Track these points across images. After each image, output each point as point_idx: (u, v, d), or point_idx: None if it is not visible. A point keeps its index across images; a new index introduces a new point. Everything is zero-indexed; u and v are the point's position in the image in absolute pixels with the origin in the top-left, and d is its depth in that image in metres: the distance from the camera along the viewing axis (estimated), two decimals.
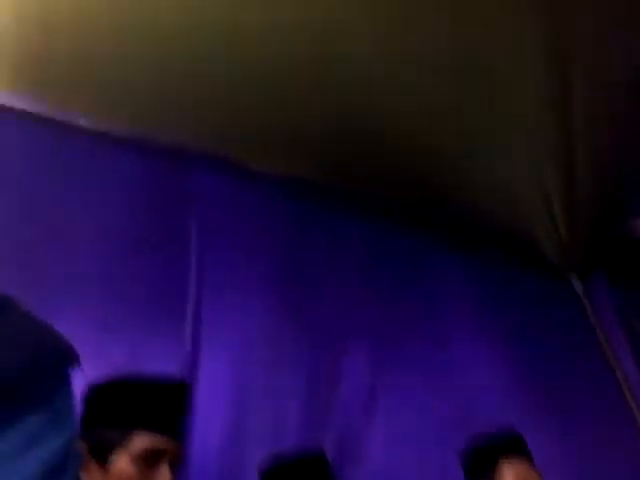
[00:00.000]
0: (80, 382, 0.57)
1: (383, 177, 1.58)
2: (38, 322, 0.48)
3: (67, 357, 0.48)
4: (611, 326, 1.61)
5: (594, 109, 1.36)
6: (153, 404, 0.99)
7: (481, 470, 1.27)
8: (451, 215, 1.66)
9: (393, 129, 1.45)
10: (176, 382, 1.09)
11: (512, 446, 1.28)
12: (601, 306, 1.63)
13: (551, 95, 1.34)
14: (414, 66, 1.30)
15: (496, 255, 1.71)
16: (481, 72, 1.32)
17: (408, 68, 1.30)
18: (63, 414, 0.47)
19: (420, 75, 1.32)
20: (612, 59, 1.28)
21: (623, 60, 1.29)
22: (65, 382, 0.48)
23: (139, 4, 1.28)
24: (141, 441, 0.95)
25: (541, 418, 1.52)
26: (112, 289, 1.39)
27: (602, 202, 1.57)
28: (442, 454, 1.41)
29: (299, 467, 1.21)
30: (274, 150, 1.58)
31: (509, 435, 1.29)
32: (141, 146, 1.54)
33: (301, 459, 1.23)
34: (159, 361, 1.33)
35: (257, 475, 1.22)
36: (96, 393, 1.00)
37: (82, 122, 1.50)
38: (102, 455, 0.94)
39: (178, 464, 0.99)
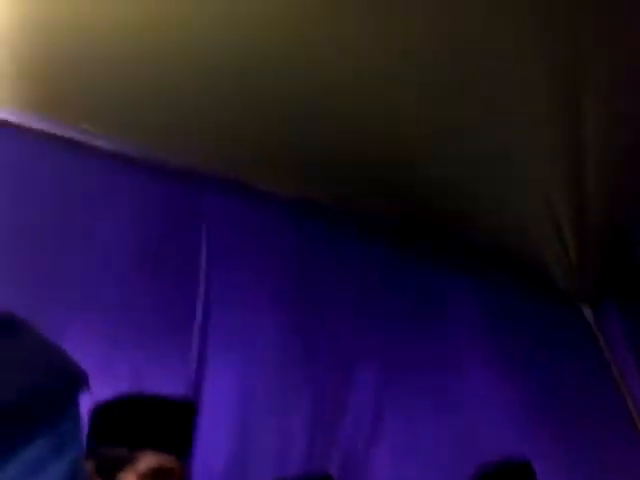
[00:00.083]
0: (87, 401, 0.56)
1: (393, 201, 1.59)
2: (48, 344, 0.48)
3: (76, 381, 0.48)
4: (621, 353, 1.60)
5: (605, 139, 1.37)
6: (160, 423, 0.99)
7: None
8: (461, 239, 1.66)
9: (404, 155, 1.46)
10: (183, 401, 1.08)
11: (521, 474, 1.26)
12: (611, 333, 1.62)
13: (562, 124, 1.34)
14: (423, 92, 1.31)
15: (506, 280, 1.70)
16: (490, 97, 1.33)
17: (417, 94, 1.32)
18: (70, 438, 0.47)
19: (431, 101, 1.33)
20: (626, 90, 1.28)
21: (637, 91, 1.29)
22: (73, 406, 0.47)
23: (148, 28, 1.30)
24: (148, 460, 0.94)
25: (549, 446, 1.51)
26: (119, 307, 1.39)
27: (612, 229, 1.56)
28: (450, 479, 1.40)
29: None
30: (284, 172, 1.59)
31: (518, 463, 1.28)
32: (150, 166, 1.55)
33: None
34: (166, 380, 1.32)
35: None
36: (103, 411, 1.00)
37: (93, 140, 1.52)
38: (109, 474, 0.93)
39: None
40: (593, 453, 1.53)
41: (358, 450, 1.47)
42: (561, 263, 1.59)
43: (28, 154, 1.45)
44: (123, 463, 0.94)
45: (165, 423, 0.99)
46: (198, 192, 1.60)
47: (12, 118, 1.44)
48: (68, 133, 1.50)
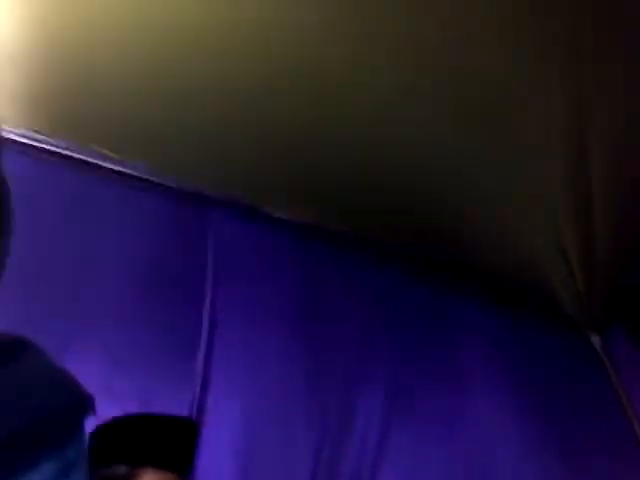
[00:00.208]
0: (91, 422, 0.57)
1: (406, 230, 1.59)
2: (54, 366, 0.49)
3: (82, 404, 0.48)
4: (629, 379, 1.58)
5: (612, 171, 1.37)
6: (162, 442, 0.99)
7: None
8: (470, 267, 1.66)
9: (419, 185, 1.46)
10: (185, 420, 1.08)
11: None
12: (619, 359, 1.61)
13: (569, 156, 1.35)
14: (439, 124, 1.32)
15: (514, 306, 1.70)
16: (498, 126, 1.34)
17: (431, 125, 1.33)
18: (76, 462, 0.47)
19: (447, 133, 1.34)
20: (632, 122, 1.29)
21: None
22: (79, 429, 0.48)
23: (160, 53, 1.32)
24: (148, 478, 0.94)
25: (557, 471, 1.49)
26: (124, 326, 1.40)
27: (619, 255, 1.56)
28: None
29: None
30: (297, 198, 1.59)
31: None
32: (160, 188, 1.56)
33: None
34: (169, 400, 1.32)
35: None
36: (105, 429, 1.00)
37: (102, 162, 1.54)
38: None
39: None
40: (600, 478, 1.51)
41: (363, 471, 1.46)
42: (568, 289, 1.58)
43: (39, 174, 1.47)
44: None
45: (167, 441, 0.99)
46: (206, 214, 1.61)
47: (25, 139, 1.47)
48: (78, 154, 1.53)
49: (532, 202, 1.46)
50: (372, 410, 1.53)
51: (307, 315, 1.58)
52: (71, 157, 1.51)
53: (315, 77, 1.30)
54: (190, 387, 1.42)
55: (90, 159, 1.52)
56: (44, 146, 1.50)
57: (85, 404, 0.48)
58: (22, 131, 1.46)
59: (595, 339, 1.62)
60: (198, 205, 1.60)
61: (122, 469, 0.94)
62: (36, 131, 1.48)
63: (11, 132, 1.42)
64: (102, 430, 0.99)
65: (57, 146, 1.51)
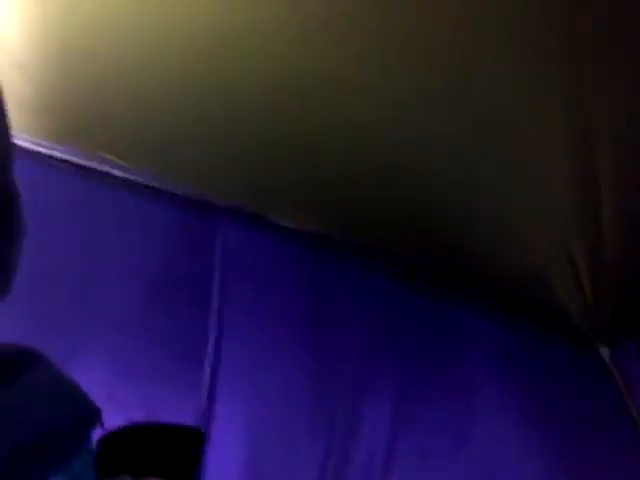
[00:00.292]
0: (97, 432, 0.56)
1: (408, 237, 1.58)
2: (61, 378, 0.48)
3: (89, 417, 0.48)
4: None
5: (620, 177, 1.36)
6: (167, 451, 0.98)
7: None
8: (475, 275, 1.65)
9: (423, 192, 1.46)
10: (191, 430, 1.08)
11: None
12: (630, 372, 1.59)
13: (574, 159, 1.34)
14: (444, 131, 1.32)
15: (521, 317, 1.68)
16: (506, 136, 1.34)
17: (442, 137, 1.32)
18: (83, 474, 0.46)
19: (447, 137, 1.33)
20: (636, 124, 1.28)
21: None
22: (86, 442, 0.47)
23: (169, 61, 1.33)
24: None
25: None
26: (130, 335, 1.39)
27: (629, 265, 1.54)
28: None
29: None
30: (300, 206, 1.59)
31: None
32: (167, 195, 1.57)
33: None
34: (175, 409, 1.32)
35: None
36: (111, 439, 0.99)
37: (110, 169, 1.54)
38: None
39: None
40: None
41: None
42: (575, 298, 1.57)
43: (47, 181, 1.47)
44: None
45: (172, 451, 0.99)
46: (213, 222, 1.61)
47: (34, 147, 1.48)
48: (86, 162, 1.53)
49: (537, 208, 1.45)
50: (378, 419, 1.52)
51: (312, 324, 1.57)
52: (79, 164, 1.52)
53: (325, 86, 1.30)
54: (196, 395, 1.42)
55: (98, 166, 1.53)
56: (52, 153, 1.50)
57: (92, 416, 0.48)
58: (31, 138, 1.47)
59: (604, 351, 1.60)
60: (205, 213, 1.60)
61: (125, 478, 0.94)
62: (45, 138, 1.49)
63: (21, 139, 1.43)
64: (107, 439, 0.98)
65: (65, 153, 1.51)
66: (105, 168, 1.54)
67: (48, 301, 1.36)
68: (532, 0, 1.11)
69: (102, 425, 0.48)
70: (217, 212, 1.61)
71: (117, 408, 1.13)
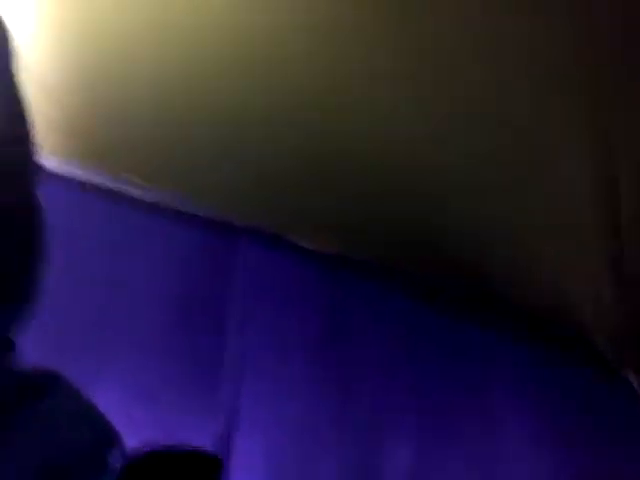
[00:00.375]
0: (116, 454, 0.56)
1: (431, 259, 1.57)
2: (83, 402, 0.48)
3: (109, 441, 0.48)
4: None
5: None
6: (185, 476, 0.97)
7: None
8: (495, 296, 1.63)
9: (441, 213, 1.45)
10: (209, 455, 1.07)
11: None
12: None
13: (598, 184, 1.32)
14: (469, 154, 1.31)
15: (548, 345, 1.65)
16: (529, 155, 1.32)
17: (463, 156, 1.31)
18: None
19: (468, 157, 1.32)
20: None
21: None
22: (105, 467, 0.47)
23: (189, 84, 1.34)
24: None
25: None
26: (149, 358, 1.39)
27: None
28: None
29: None
30: (319, 227, 1.59)
31: None
32: (187, 216, 1.58)
33: None
34: (193, 432, 1.31)
35: None
36: (127, 463, 0.98)
37: (132, 191, 1.56)
38: None
39: None
40: None
41: None
42: (600, 322, 1.54)
43: (71, 203, 1.49)
44: None
45: (190, 477, 0.98)
46: (234, 243, 1.61)
47: (59, 169, 1.50)
48: (111, 183, 1.55)
49: (557, 225, 1.43)
50: (401, 444, 1.49)
51: (333, 345, 1.56)
52: (103, 186, 1.53)
53: (345, 109, 1.30)
54: (215, 419, 1.40)
55: (121, 188, 1.54)
56: (77, 175, 1.52)
57: (111, 440, 0.48)
58: (56, 160, 1.49)
59: (632, 376, 1.56)
60: (225, 234, 1.60)
61: None
62: (71, 160, 1.51)
63: (47, 160, 1.44)
64: (126, 466, 0.97)
65: (90, 175, 1.53)
66: (129, 190, 1.55)
67: (69, 322, 1.37)
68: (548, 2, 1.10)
69: (123, 450, 0.48)
70: (237, 233, 1.61)
71: (135, 430, 1.12)
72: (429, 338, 1.63)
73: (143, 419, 1.29)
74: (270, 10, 1.22)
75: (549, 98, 1.22)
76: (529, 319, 1.63)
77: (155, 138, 1.46)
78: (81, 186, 1.52)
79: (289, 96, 1.31)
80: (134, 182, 1.54)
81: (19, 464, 0.41)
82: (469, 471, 1.51)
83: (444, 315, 1.66)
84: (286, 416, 1.48)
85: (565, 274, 1.50)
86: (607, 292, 1.49)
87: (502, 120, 1.27)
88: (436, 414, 1.55)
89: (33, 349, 0.61)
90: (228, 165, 1.48)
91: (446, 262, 1.61)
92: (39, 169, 0.58)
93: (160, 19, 1.27)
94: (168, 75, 1.34)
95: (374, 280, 1.67)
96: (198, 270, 1.56)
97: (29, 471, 0.41)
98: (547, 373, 1.61)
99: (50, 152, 1.46)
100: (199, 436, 1.35)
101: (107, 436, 0.47)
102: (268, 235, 1.64)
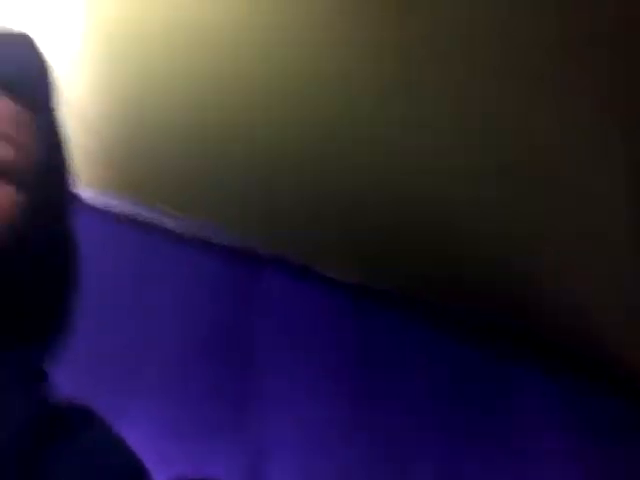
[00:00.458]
0: None
1: (455, 289, 1.55)
2: (113, 437, 0.47)
3: (140, 478, 0.47)
4: None
5: None
6: None
7: None
8: (528, 328, 1.59)
9: (473, 247, 1.43)
10: None
11: None
12: None
13: (632, 201, 1.29)
14: (503, 188, 1.30)
15: (577, 371, 1.61)
16: (562, 186, 1.31)
17: (496, 189, 1.31)
18: None
19: (501, 191, 1.31)
20: None
21: None
22: None
23: (221, 116, 1.36)
24: None
25: None
26: (176, 391, 1.39)
27: None
28: None
29: None
30: (350, 259, 1.59)
31: None
32: (213, 245, 1.59)
33: None
34: (222, 465, 1.29)
35: None
36: None
37: (163, 221, 1.57)
38: None
39: None
40: None
41: None
42: (636, 357, 1.49)
43: (106, 234, 1.51)
44: None
45: None
46: (260, 272, 1.61)
47: (95, 200, 1.53)
48: (144, 213, 1.57)
49: (595, 254, 1.39)
50: (426, 475, 1.46)
51: (359, 382, 1.54)
52: (137, 217, 1.56)
53: (375, 143, 1.30)
54: (244, 451, 1.39)
55: (154, 218, 1.56)
56: (112, 206, 1.55)
57: (142, 476, 0.47)
58: (93, 192, 1.52)
59: None
60: (253, 263, 1.61)
61: None
62: (107, 191, 1.54)
63: (84, 191, 1.47)
64: None
65: (124, 206, 1.56)
66: (162, 220, 1.57)
67: (100, 353, 1.37)
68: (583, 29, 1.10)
69: None
70: (264, 263, 1.62)
71: (165, 464, 1.11)
72: (454, 369, 1.60)
73: (172, 453, 1.28)
74: (300, 50, 1.24)
75: (582, 118, 1.20)
76: (562, 352, 1.58)
77: (189, 170, 1.48)
78: (116, 217, 1.55)
79: (320, 129, 1.32)
80: (167, 212, 1.57)
81: None
82: None
83: (471, 346, 1.63)
84: (314, 445, 1.46)
85: (601, 308, 1.46)
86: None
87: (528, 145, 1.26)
88: (462, 447, 1.52)
89: (65, 380, 0.61)
90: (258, 197, 1.49)
91: (470, 292, 1.59)
92: (76, 200, 0.58)
93: (195, 56, 1.30)
94: (202, 109, 1.36)
95: (396, 310, 1.65)
96: (226, 300, 1.56)
97: None
98: (583, 408, 1.57)
99: (87, 183, 1.49)
100: (229, 469, 1.33)
101: (137, 471, 0.46)
102: (294, 265, 1.65)
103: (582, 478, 1.50)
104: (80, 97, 1.36)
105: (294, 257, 1.61)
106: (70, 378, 0.67)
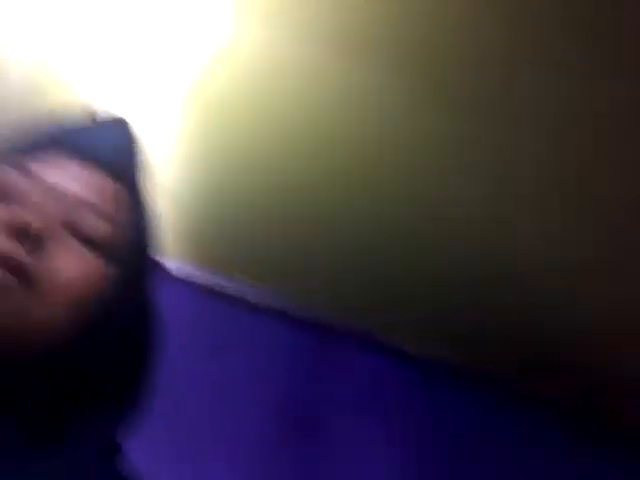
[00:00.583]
0: None
1: (532, 368, 1.48)
2: None
3: None
4: None
5: None
6: None
7: None
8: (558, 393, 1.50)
9: (539, 320, 1.37)
10: None
11: None
12: None
13: None
14: (542, 237, 1.26)
15: (606, 434, 1.49)
16: (610, 234, 1.25)
17: (537, 238, 1.27)
18: None
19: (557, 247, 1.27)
20: None
21: None
22: None
23: (300, 192, 1.39)
24: None
25: None
26: (246, 472, 1.38)
27: None
28: None
29: None
30: (419, 330, 1.56)
31: None
32: (288, 316, 1.59)
33: None
34: None
35: None
36: None
37: (241, 291, 1.60)
38: None
39: None
40: None
41: None
42: None
43: (189, 305, 1.55)
44: None
45: None
46: (336, 345, 1.60)
47: (181, 271, 1.58)
48: (224, 283, 1.61)
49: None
50: None
51: (426, 460, 1.49)
52: (218, 287, 1.59)
53: (452, 222, 1.29)
54: None
55: (234, 288, 1.60)
56: (195, 277, 1.60)
57: None
58: (178, 263, 1.58)
59: None
60: (328, 335, 1.60)
61: None
62: (189, 263, 1.59)
63: (169, 264, 1.53)
64: None
65: (207, 277, 1.60)
66: (241, 290, 1.60)
67: (173, 426, 1.38)
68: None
69: None
70: (341, 335, 1.60)
71: None
72: (527, 457, 1.51)
73: None
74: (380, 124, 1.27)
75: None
76: (592, 413, 1.48)
77: (269, 243, 1.51)
78: (199, 288, 1.59)
79: (410, 207, 1.33)
80: (247, 282, 1.60)
81: None
82: None
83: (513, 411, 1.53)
84: None
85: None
86: None
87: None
88: None
89: (138, 452, 0.61)
90: (338, 270, 1.50)
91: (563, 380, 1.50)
92: (160, 272, 0.60)
93: (279, 137, 1.34)
94: (283, 187, 1.40)
95: (474, 390, 1.58)
96: (297, 373, 1.55)
97: None
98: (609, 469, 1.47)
99: (172, 255, 1.55)
100: None
101: None
102: (370, 338, 1.62)
103: None
104: (173, 180, 1.43)
105: (371, 330, 1.59)
106: (144, 451, 0.67)
